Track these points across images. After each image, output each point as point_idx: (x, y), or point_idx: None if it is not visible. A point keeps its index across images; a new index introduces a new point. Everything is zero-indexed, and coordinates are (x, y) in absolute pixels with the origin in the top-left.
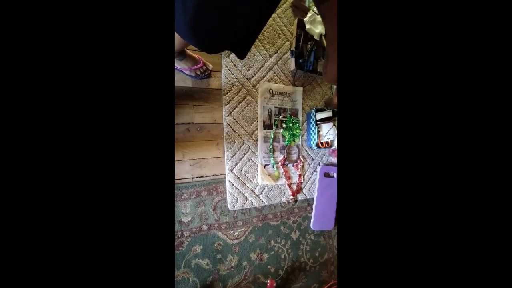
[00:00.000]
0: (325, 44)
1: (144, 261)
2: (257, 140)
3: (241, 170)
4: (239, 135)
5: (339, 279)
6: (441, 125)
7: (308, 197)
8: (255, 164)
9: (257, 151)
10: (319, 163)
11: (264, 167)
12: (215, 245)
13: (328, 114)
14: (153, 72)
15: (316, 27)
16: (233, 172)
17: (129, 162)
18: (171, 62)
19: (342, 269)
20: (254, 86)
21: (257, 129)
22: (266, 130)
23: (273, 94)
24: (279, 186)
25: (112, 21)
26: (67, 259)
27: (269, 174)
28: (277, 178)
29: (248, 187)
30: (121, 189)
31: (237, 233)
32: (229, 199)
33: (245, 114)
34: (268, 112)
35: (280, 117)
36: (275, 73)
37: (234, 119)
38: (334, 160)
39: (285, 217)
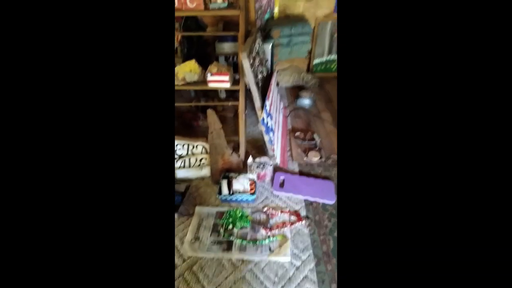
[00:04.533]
0: None
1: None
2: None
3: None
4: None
5: (340, 278)
6: (441, 124)
7: (286, 194)
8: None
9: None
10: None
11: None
12: None
13: (224, 184)
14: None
15: None
16: None
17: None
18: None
19: (342, 269)
20: None
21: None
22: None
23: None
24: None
25: (112, 22)
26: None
27: (280, 246)
28: (283, 239)
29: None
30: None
31: None
32: None
33: (206, 273)
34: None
35: (223, 223)
36: None
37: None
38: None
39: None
